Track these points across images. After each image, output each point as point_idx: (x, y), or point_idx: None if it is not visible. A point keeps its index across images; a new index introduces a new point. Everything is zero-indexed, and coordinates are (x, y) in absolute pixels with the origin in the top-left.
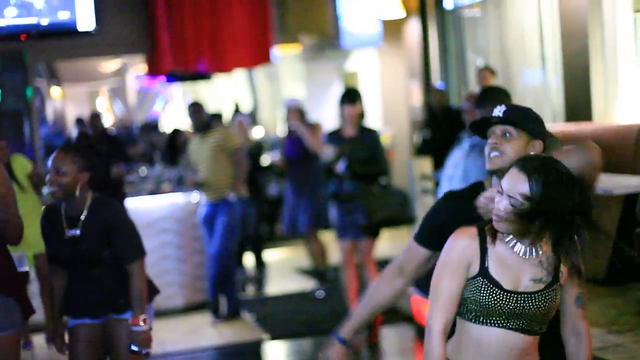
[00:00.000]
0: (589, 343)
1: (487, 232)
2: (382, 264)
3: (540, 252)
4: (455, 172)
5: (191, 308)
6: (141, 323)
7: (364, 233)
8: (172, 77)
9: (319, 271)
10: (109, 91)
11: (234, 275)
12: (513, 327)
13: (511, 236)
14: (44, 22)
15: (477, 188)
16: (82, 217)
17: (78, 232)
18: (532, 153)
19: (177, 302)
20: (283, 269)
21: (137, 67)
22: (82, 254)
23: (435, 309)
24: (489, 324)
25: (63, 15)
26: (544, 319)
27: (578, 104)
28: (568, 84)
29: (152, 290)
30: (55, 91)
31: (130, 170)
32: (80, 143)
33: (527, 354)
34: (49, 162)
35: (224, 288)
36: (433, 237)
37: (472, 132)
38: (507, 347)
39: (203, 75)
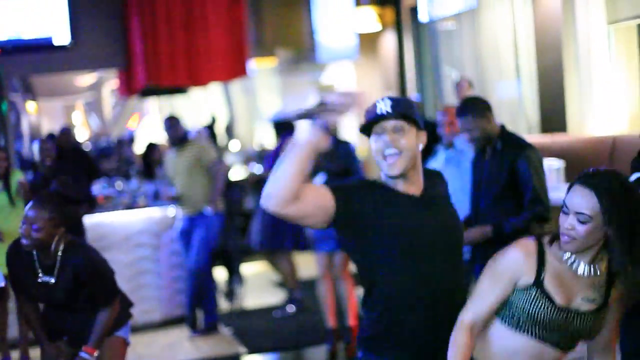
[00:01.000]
0: None
1: (545, 246)
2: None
3: (598, 272)
4: None
5: (169, 322)
6: (94, 355)
7: (340, 246)
8: (148, 92)
9: (288, 288)
10: (84, 105)
11: (211, 289)
12: (552, 340)
13: (571, 254)
14: (20, 36)
15: (375, 181)
16: (56, 265)
17: (52, 280)
18: (420, 146)
19: (155, 316)
20: (260, 282)
21: (113, 81)
22: (58, 298)
23: (470, 305)
24: (529, 334)
25: (39, 30)
26: (585, 338)
27: (553, 115)
28: (543, 96)
29: (127, 304)
30: (30, 106)
31: (93, 210)
32: (56, 193)
33: None
34: (25, 211)
35: (202, 302)
36: (341, 193)
37: (362, 134)
38: (539, 358)
39: (179, 89)
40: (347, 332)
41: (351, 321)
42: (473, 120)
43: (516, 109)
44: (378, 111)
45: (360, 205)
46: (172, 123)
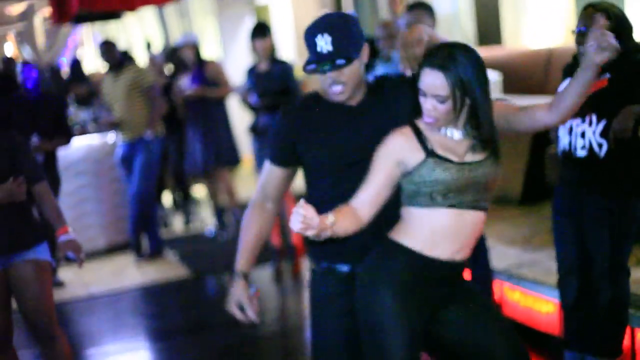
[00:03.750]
0: None
1: (420, 126)
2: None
3: (470, 131)
4: None
5: (113, 249)
6: (69, 230)
7: None
8: (81, 18)
9: (222, 210)
10: (15, 35)
11: (155, 214)
12: (467, 201)
13: (444, 127)
14: None
15: (312, 96)
16: None
17: None
18: (364, 60)
19: (99, 243)
20: (205, 206)
21: (45, 10)
22: None
23: (359, 192)
24: (444, 205)
25: None
26: (491, 190)
27: (488, 28)
28: (478, 9)
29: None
30: None
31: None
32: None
33: (479, 231)
34: None
35: (146, 227)
36: (284, 154)
37: (306, 72)
38: (463, 226)
39: (113, 15)
40: (291, 251)
41: (295, 239)
42: (423, 15)
43: (452, 23)
44: (318, 49)
45: (295, 134)
46: (107, 48)
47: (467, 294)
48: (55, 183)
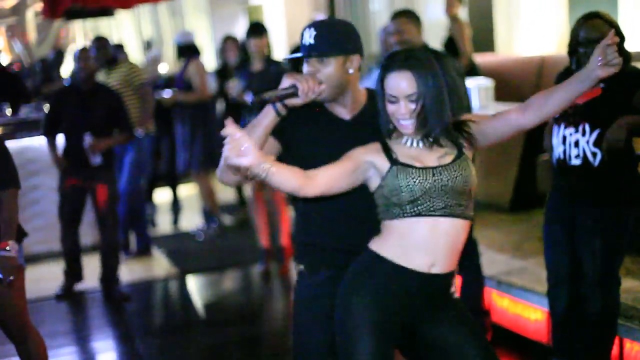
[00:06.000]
0: None
1: (387, 141)
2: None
3: (432, 140)
4: None
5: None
6: (8, 248)
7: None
8: (73, 14)
9: (207, 212)
10: (6, 30)
11: (143, 212)
12: (437, 211)
13: (405, 138)
14: None
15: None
16: None
17: None
18: (351, 71)
19: (86, 240)
20: (193, 205)
21: (37, 4)
22: None
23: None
24: (417, 214)
25: None
26: (467, 194)
27: (482, 36)
28: (472, 16)
29: (20, 233)
30: None
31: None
32: None
33: (457, 241)
34: None
35: (134, 225)
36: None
37: (289, 62)
38: (436, 235)
39: (105, 12)
40: (280, 252)
41: (284, 241)
42: (407, 23)
43: (445, 30)
44: (303, 41)
45: (291, 132)
46: (100, 44)
47: (452, 318)
48: (113, 186)
